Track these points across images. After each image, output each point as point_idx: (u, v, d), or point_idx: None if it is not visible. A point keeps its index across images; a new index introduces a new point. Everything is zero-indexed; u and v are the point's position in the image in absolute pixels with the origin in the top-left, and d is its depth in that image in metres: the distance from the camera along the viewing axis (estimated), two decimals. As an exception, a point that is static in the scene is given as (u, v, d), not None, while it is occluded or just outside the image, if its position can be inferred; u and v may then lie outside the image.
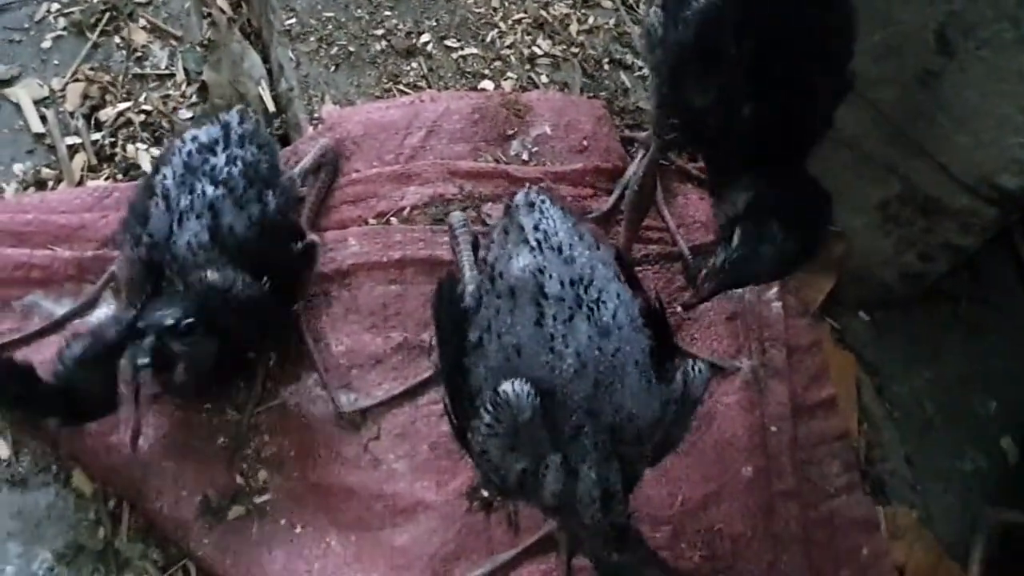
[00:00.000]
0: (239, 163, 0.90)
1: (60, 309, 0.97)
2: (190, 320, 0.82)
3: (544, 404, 0.71)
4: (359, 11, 1.17)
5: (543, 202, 0.80)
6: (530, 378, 0.71)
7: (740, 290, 1.04)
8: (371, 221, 1.02)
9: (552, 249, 0.77)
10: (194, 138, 0.92)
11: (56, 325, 0.95)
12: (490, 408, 0.72)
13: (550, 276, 0.75)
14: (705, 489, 0.94)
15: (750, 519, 0.94)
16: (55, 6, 1.14)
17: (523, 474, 0.74)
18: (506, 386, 0.71)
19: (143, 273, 0.86)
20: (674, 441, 0.78)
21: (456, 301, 0.80)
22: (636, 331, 0.76)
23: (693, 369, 0.76)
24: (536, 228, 0.78)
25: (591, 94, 1.18)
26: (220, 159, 0.90)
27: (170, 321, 0.81)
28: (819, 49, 0.75)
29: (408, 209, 1.03)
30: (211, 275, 0.85)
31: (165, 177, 0.89)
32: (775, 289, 1.04)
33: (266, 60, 1.18)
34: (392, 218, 1.02)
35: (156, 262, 0.86)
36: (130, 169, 1.06)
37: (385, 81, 1.13)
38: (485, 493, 0.94)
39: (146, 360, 0.81)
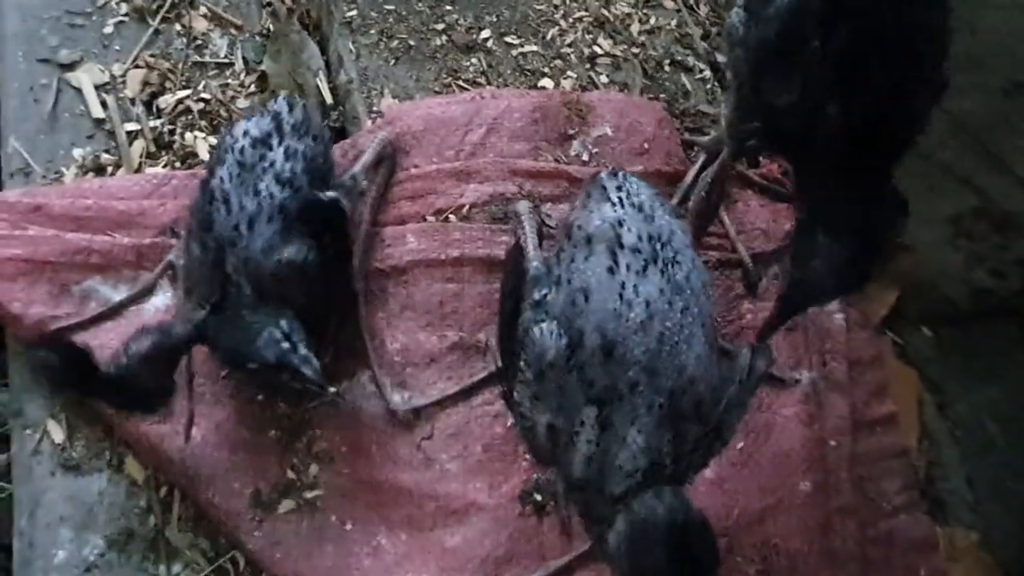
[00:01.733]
0: (299, 158, 0.89)
1: (117, 295, 0.98)
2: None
3: (602, 352, 0.69)
4: (420, 5, 1.16)
5: (625, 175, 0.81)
6: (595, 325, 0.70)
7: (801, 301, 1.02)
8: (429, 218, 1.01)
9: (633, 206, 0.77)
10: (245, 132, 0.90)
11: (114, 311, 0.95)
12: (521, 351, 0.72)
13: (629, 229, 0.75)
14: (762, 502, 0.93)
15: (807, 535, 0.92)
16: None
17: (551, 432, 0.72)
18: (536, 327, 0.71)
19: (211, 276, 0.85)
20: (730, 426, 0.74)
21: (521, 264, 0.80)
22: (707, 298, 0.75)
23: (757, 350, 0.74)
24: (619, 188, 0.79)
25: (651, 95, 1.16)
26: (278, 154, 0.89)
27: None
28: (914, 46, 0.72)
29: (467, 207, 1.02)
30: (287, 252, 0.84)
31: (222, 181, 0.88)
32: (837, 301, 1.02)
33: (324, 51, 1.17)
34: (451, 215, 1.01)
35: (222, 265, 0.85)
36: (188, 157, 1.06)
37: (444, 76, 1.12)
38: (538, 497, 0.92)
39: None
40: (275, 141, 0.90)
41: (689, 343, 0.71)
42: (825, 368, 0.99)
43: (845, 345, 1.01)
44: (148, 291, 0.98)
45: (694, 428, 0.71)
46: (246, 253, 0.84)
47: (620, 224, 0.75)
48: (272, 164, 0.88)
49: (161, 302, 0.98)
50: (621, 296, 0.71)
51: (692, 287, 0.73)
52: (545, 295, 0.75)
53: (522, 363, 0.72)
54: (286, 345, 0.81)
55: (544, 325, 0.71)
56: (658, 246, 0.74)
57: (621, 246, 0.73)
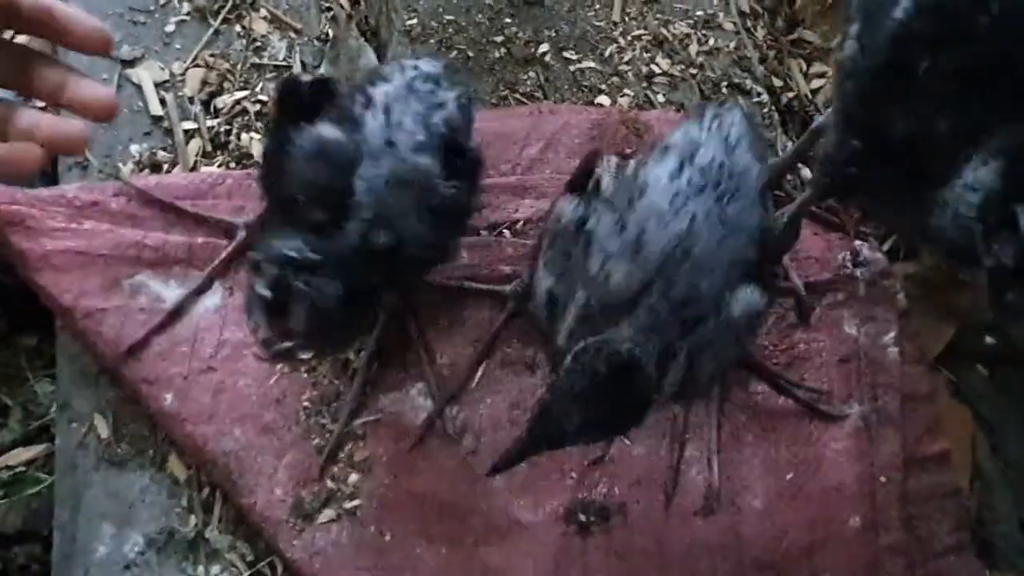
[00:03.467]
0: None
1: (167, 291, 0.97)
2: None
3: (633, 246, 0.71)
4: (480, 16, 1.15)
5: (731, 107, 0.82)
6: (638, 218, 0.72)
7: (855, 332, 1.01)
8: (482, 232, 1.00)
9: (720, 135, 0.78)
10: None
11: (175, 314, 0.95)
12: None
13: (706, 150, 0.76)
14: (811, 536, 0.91)
15: (855, 571, 0.91)
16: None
17: (550, 298, 0.74)
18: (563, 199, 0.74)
19: None
20: (727, 355, 0.75)
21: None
22: (750, 243, 0.74)
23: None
24: (715, 117, 0.79)
25: (708, 117, 1.15)
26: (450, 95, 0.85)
27: (292, 254, 0.75)
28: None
29: (521, 222, 1.01)
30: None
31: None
32: (892, 334, 1.00)
33: (380, 58, 1.17)
34: (505, 230, 1.01)
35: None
36: (243, 157, 1.06)
37: (501, 89, 1.12)
38: (583, 517, 0.91)
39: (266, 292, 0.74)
40: (444, 86, 0.86)
41: (712, 272, 0.72)
42: (877, 402, 0.97)
43: (898, 380, 0.99)
44: (202, 290, 0.97)
45: (695, 341, 0.72)
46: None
47: (699, 143, 0.77)
48: (444, 105, 0.84)
49: (212, 302, 0.98)
50: (671, 203, 0.73)
51: (741, 224, 0.74)
52: (605, 185, 0.77)
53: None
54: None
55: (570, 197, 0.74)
56: (725, 175, 0.75)
57: (692, 161, 0.75)
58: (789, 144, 1.17)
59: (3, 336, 1.14)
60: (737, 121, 0.80)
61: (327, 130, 0.78)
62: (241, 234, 1.00)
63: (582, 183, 0.79)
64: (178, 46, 1.11)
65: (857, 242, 1.05)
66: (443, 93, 0.85)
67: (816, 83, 1.32)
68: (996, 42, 0.65)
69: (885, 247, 1.07)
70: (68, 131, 0.62)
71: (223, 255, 0.98)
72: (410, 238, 0.78)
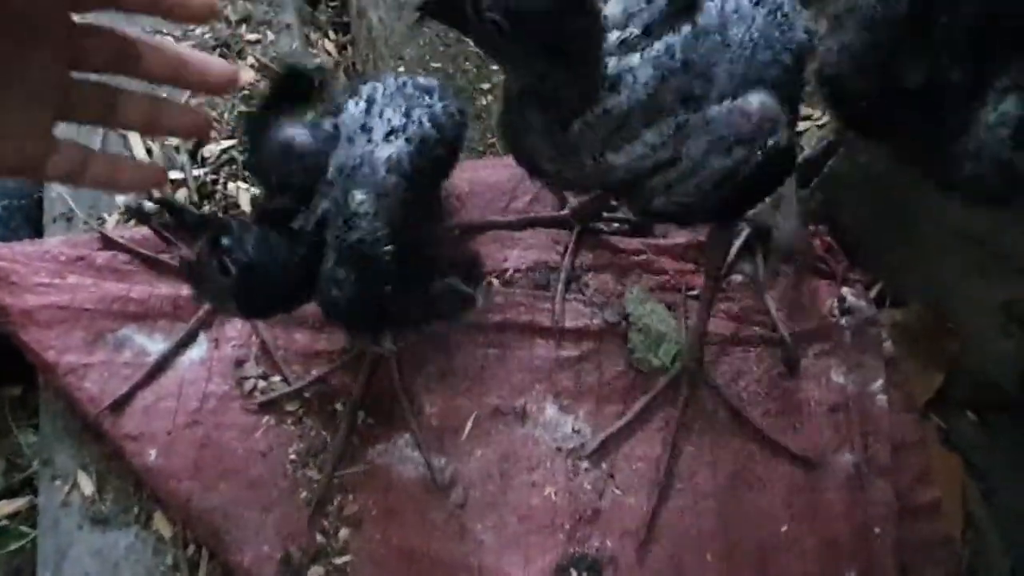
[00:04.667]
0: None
1: (152, 344, 0.97)
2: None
3: None
4: (467, 64, 1.16)
5: None
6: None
7: (843, 380, 1.01)
8: (472, 281, 1.00)
9: None
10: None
11: (160, 368, 0.94)
12: None
13: None
14: (807, 591, 0.90)
15: (850, 624, 0.90)
16: (168, 40, 1.14)
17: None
18: None
19: None
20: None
21: None
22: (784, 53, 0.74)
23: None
24: None
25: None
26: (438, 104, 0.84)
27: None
28: None
29: (510, 272, 1.01)
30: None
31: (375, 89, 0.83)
32: (880, 382, 1.00)
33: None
34: (494, 279, 1.00)
35: None
36: (230, 208, 1.06)
37: (489, 136, 1.12)
38: (574, 572, 0.90)
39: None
40: (438, 96, 0.85)
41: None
42: (868, 452, 0.97)
43: (888, 428, 0.99)
44: (186, 342, 0.97)
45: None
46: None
47: None
48: (431, 107, 0.83)
49: (197, 354, 0.97)
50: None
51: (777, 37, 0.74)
52: None
53: None
54: None
55: None
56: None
57: None
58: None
59: (-15, 387, 1.13)
60: None
61: (297, 132, 0.79)
62: (228, 284, 0.99)
63: None
64: (164, 94, 1.11)
65: (844, 289, 1.05)
66: (431, 99, 0.84)
67: (801, 125, 1.33)
68: None
69: (872, 294, 1.08)
70: (145, 175, 0.64)
71: (207, 306, 0.98)
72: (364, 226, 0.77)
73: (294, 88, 0.82)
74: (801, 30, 0.76)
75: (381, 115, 0.79)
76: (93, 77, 0.61)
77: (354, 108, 0.80)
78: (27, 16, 0.56)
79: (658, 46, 0.71)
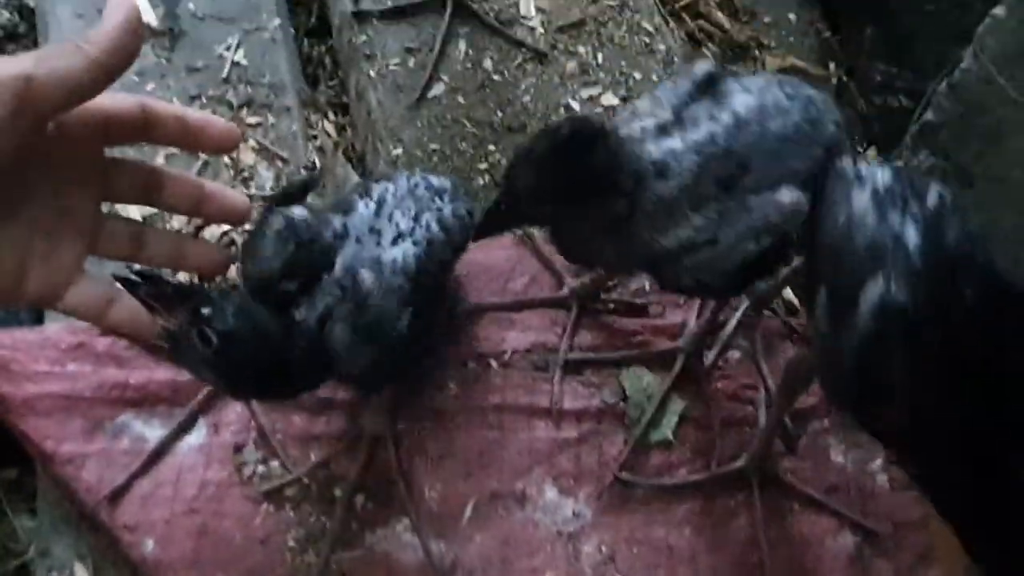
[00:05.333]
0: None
1: (150, 431, 0.96)
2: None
3: None
4: (463, 144, 1.18)
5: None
6: None
7: (841, 460, 1.01)
8: (469, 363, 1.00)
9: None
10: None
11: (157, 455, 0.94)
12: None
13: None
14: None
15: None
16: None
17: None
18: None
19: None
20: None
21: None
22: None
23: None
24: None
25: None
26: (447, 208, 0.86)
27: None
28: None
29: (509, 353, 1.01)
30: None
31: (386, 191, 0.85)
32: (879, 460, 1.01)
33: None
34: (491, 360, 1.01)
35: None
36: (231, 290, 1.06)
37: (486, 217, 1.13)
38: (574, 663, 0.89)
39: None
40: (449, 198, 0.87)
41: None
42: (869, 532, 0.97)
43: (889, 507, 0.98)
44: (185, 428, 0.97)
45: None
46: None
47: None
48: (441, 209, 0.85)
49: (196, 440, 0.97)
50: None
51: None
52: None
53: None
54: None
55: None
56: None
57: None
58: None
59: (-19, 470, 1.12)
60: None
61: (297, 211, 0.79)
62: (227, 367, 0.99)
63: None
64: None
65: (842, 365, 1.06)
66: (441, 202, 0.86)
67: None
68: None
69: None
70: (211, 257, 0.67)
71: (206, 390, 0.98)
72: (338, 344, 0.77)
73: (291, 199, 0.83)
74: (831, 124, 0.81)
75: (391, 218, 0.81)
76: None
77: (364, 209, 0.81)
78: (64, 148, 0.58)
79: (702, 132, 0.76)
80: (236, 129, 0.65)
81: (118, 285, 0.65)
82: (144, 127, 0.61)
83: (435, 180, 0.88)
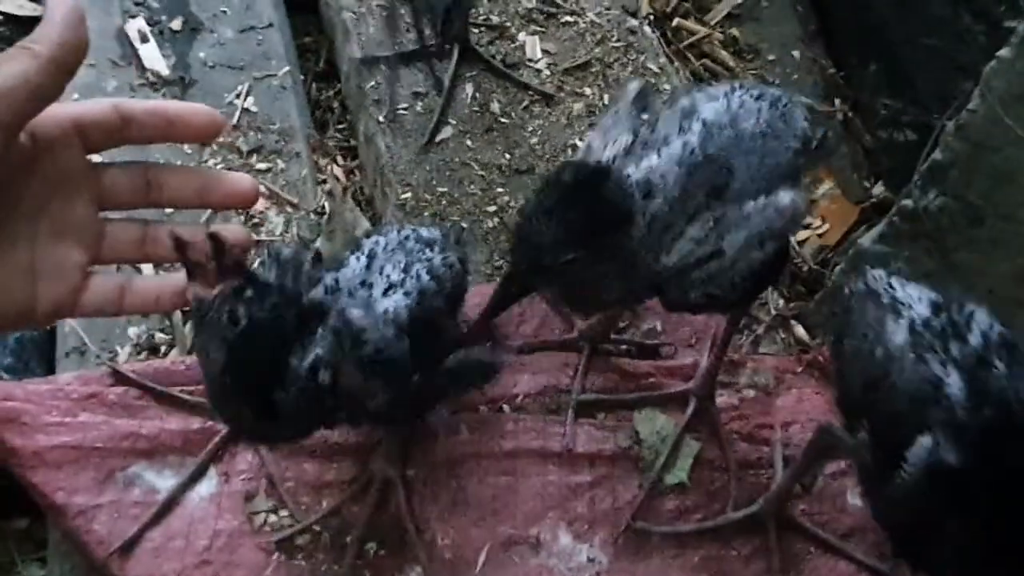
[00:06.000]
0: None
1: (161, 481, 0.96)
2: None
3: None
4: (472, 187, 1.19)
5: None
6: None
7: (859, 503, 0.99)
8: (482, 408, 1.00)
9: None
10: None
11: (169, 506, 0.93)
12: None
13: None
14: None
15: None
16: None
17: None
18: None
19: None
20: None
21: None
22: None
23: None
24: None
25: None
26: (437, 256, 0.86)
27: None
28: None
29: (520, 397, 1.01)
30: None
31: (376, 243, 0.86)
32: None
33: (374, 227, 1.20)
34: (504, 405, 1.00)
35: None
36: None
37: (496, 259, 1.13)
38: None
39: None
40: (439, 248, 0.87)
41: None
42: None
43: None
44: (196, 478, 0.96)
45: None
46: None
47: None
48: (430, 260, 0.85)
49: (207, 490, 0.96)
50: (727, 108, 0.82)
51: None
52: None
53: None
54: None
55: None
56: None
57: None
58: (780, 302, 1.18)
59: (-10, 521, 1.12)
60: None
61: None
62: (237, 415, 0.99)
63: None
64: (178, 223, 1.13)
65: (856, 403, 1.05)
66: (432, 252, 0.86)
67: (801, 235, 1.35)
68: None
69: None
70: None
71: (216, 439, 0.97)
72: (350, 387, 0.77)
73: None
74: (801, 118, 0.82)
75: (381, 271, 0.81)
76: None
77: (355, 263, 0.82)
78: (45, 160, 0.57)
79: (676, 145, 0.77)
80: (218, 114, 0.61)
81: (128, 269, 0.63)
82: (121, 127, 0.59)
83: (425, 231, 0.89)
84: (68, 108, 0.57)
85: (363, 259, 0.82)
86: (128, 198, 0.63)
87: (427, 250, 0.85)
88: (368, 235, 0.87)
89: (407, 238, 0.86)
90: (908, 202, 0.99)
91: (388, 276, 0.81)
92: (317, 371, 0.75)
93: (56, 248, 0.58)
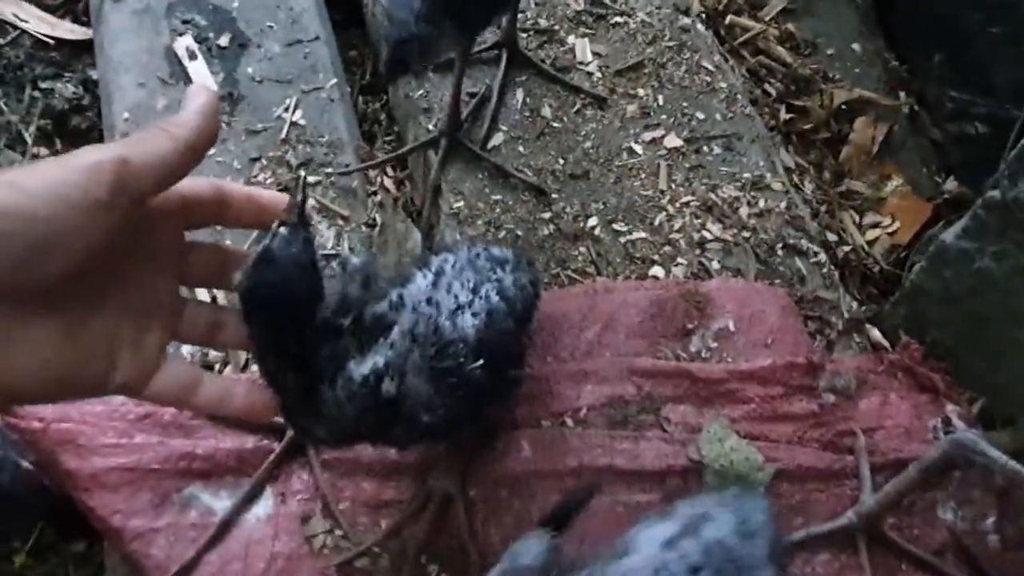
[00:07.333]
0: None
1: (217, 502, 0.94)
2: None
3: None
4: (527, 195, 1.15)
5: None
6: None
7: (950, 517, 0.93)
8: (544, 422, 0.96)
9: (737, 517, 0.68)
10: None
11: (225, 527, 0.91)
12: None
13: (713, 525, 0.67)
14: None
15: None
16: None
17: None
18: None
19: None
20: None
21: None
22: None
23: None
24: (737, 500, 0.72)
25: (767, 281, 1.11)
26: (508, 278, 0.83)
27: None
28: None
29: (584, 410, 0.96)
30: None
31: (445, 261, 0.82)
32: (992, 519, 0.92)
33: (427, 240, 1.17)
34: (567, 419, 0.96)
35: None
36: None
37: (553, 266, 1.10)
38: None
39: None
40: (510, 268, 0.85)
41: None
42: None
43: (1003, 569, 0.90)
44: (251, 498, 0.94)
45: None
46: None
47: (710, 516, 0.69)
48: (501, 280, 0.83)
49: (264, 511, 0.93)
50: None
51: None
52: None
53: None
54: None
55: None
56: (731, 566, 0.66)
57: (695, 533, 0.68)
58: (853, 304, 1.12)
59: (50, 544, 1.11)
60: (762, 509, 0.70)
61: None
62: (290, 433, 0.97)
63: (560, 520, 0.72)
64: (229, 240, 1.12)
65: (949, 406, 0.99)
66: (502, 272, 0.83)
67: (871, 234, 1.29)
68: None
69: (975, 409, 1.01)
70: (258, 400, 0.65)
71: (271, 458, 0.95)
72: (414, 398, 0.73)
73: None
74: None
75: (449, 289, 0.78)
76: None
77: (422, 280, 0.79)
78: (148, 234, 0.59)
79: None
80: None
81: (199, 368, 0.64)
82: (219, 209, 0.61)
83: (496, 251, 0.86)
84: (178, 187, 0.58)
85: (430, 276, 0.79)
86: (205, 279, 0.66)
87: (498, 269, 0.82)
88: (437, 252, 0.84)
89: (477, 256, 0.83)
90: (995, 193, 0.93)
91: (456, 296, 0.78)
92: (381, 379, 0.72)
93: (139, 322, 0.59)
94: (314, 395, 0.70)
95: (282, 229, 0.61)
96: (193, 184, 0.60)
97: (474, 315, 0.77)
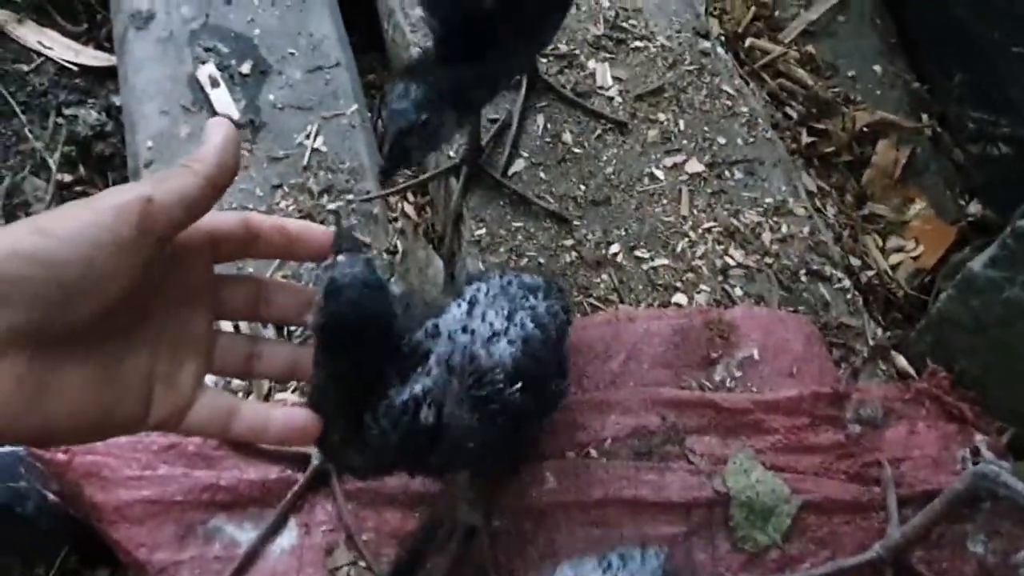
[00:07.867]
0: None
1: (241, 534, 0.93)
2: None
3: None
4: (548, 222, 1.15)
5: None
6: None
7: (980, 550, 0.92)
8: (569, 453, 0.95)
9: None
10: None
11: (249, 559, 0.91)
12: None
13: None
14: None
15: None
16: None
17: None
18: None
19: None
20: None
21: None
22: None
23: None
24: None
25: (790, 308, 1.11)
26: (541, 304, 0.84)
27: None
28: None
29: (609, 441, 0.96)
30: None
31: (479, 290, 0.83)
32: (1022, 552, 0.91)
33: (448, 267, 1.17)
34: (592, 450, 0.95)
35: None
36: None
37: (576, 294, 1.09)
38: None
39: None
40: (542, 295, 0.85)
41: None
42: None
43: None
44: (275, 529, 0.94)
45: None
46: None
47: None
48: (534, 307, 0.83)
49: (288, 542, 0.93)
50: None
51: None
52: None
53: None
54: None
55: None
56: None
57: None
58: (878, 330, 1.11)
59: (74, 569, 1.10)
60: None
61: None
62: (315, 462, 0.96)
63: None
64: (251, 269, 1.12)
65: (978, 436, 0.97)
66: (535, 299, 0.84)
67: (894, 258, 1.28)
68: None
69: (1004, 439, 0.99)
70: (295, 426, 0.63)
71: (295, 488, 0.95)
72: (455, 426, 0.73)
73: None
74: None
75: (483, 317, 0.78)
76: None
77: (456, 310, 0.78)
78: (177, 270, 0.59)
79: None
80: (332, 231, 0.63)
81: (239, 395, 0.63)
82: (247, 242, 0.61)
83: (528, 279, 0.86)
84: (205, 222, 0.58)
85: (464, 305, 0.79)
86: (239, 312, 0.65)
87: (531, 297, 0.83)
88: (469, 281, 0.84)
89: (509, 284, 0.84)
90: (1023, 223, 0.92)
91: (491, 324, 0.77)
92: (420, 406, 0.72)
93: (174, 357, 0.59)
94: (360, 424, 0.71)
95: (340, 257, 0.61)
96: (220, 218, 0.61)
97: (510, 342, 0.77)
